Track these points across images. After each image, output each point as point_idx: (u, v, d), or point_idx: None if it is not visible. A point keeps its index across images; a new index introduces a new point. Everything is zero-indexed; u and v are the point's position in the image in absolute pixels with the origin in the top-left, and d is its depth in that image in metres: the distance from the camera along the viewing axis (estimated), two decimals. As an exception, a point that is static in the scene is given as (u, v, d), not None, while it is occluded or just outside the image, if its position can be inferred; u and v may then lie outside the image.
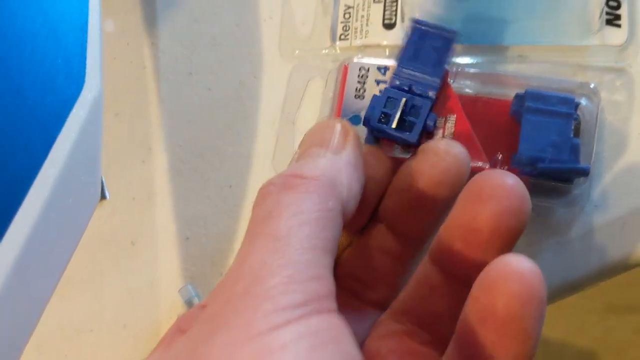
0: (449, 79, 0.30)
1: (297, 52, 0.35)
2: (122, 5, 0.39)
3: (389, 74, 0.31)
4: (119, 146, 0.37)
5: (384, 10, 0.34)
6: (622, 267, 0.31)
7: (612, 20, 0.32)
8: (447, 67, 0.30)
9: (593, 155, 0.30)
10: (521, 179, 0.23)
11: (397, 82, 0.30)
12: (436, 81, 0.29)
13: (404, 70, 0.30)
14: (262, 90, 0.36)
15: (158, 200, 0.36)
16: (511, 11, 0.32)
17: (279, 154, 0.34)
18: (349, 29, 0.35)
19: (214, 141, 0.36)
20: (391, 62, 0.32)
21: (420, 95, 0.29)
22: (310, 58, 0.35)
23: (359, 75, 0.32)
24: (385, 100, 0.29)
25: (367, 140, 0.31)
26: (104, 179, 0.37)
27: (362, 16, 0.35)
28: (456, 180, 0.25)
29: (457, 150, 0.26)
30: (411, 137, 0.29)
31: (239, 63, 0.36)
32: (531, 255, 0.31)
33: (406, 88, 0.29)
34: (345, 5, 0.35)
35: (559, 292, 0.31)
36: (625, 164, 0.31)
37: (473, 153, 0.29)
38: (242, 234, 0.34)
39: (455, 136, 0.29)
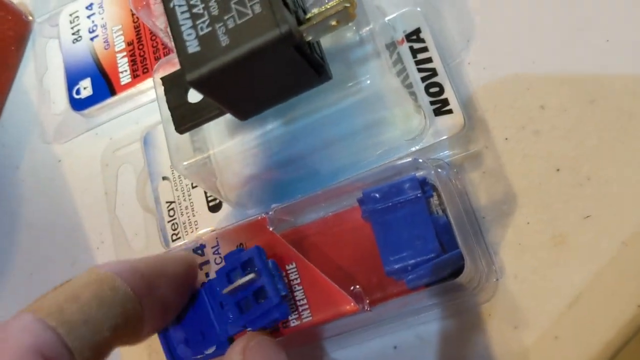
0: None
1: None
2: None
3: (206, 250, 0.26)
4: None
5: (205, 193, 0.30)
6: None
7: (440, 108, 0.26)
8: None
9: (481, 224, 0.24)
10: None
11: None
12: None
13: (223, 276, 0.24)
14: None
15: None
16: (326, 146, 0.27)
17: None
18: (177, 226, 0.30)
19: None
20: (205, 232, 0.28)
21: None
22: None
23: None
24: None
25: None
26: None
27: (186, 207, 0.30)
28: None
29: None
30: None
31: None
32: None
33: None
34: (167, 202, 0.31)
35: None
36: (524, 216, 0.25)
37: (333, 299, 0.23)
38: None
39: (305, 285, 0.24)
